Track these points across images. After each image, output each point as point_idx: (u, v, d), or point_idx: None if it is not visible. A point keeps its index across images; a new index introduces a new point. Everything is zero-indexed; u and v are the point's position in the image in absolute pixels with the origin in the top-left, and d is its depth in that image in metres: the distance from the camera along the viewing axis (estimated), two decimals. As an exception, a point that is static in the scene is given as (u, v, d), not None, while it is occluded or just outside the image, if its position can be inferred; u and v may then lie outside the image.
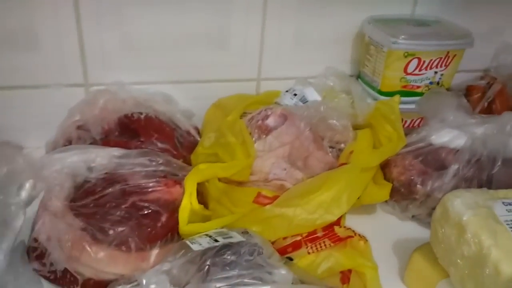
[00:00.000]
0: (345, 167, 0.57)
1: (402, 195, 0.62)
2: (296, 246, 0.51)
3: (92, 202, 0.48)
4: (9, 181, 0.44)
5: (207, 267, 0.39)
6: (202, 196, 0.56)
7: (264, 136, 0.60)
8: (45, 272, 0.46)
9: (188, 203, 0.49)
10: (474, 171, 0.59)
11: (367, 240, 0.52)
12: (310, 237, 0.52)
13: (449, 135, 0.62)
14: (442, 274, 0.48)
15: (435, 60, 0.71)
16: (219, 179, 0.57)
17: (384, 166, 0.64)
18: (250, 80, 0.76)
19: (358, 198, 0.57)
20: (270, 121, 0.60)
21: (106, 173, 0.51)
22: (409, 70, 0.71)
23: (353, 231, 0.53)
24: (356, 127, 0.67)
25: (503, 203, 0.46)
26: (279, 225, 0.51)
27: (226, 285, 0.38)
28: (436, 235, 0.48)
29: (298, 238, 0.52)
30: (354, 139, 0.65)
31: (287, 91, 0.73)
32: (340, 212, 0.52)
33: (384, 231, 0.61)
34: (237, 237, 0.44)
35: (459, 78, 0.77)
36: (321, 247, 0.51)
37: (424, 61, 0.70)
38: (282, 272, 0.40)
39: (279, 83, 0.75)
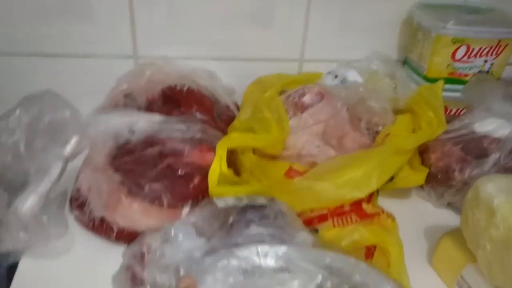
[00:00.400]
0: (379, 147, 0.57)
1: (438, 181, 0.60)
2: (322, 218, 0.52)
3: (131, 160, 0.51)
4: (54, 131, 0.48)
5: (230, 223, 0.41)
6: (235, 167, 0.58)
7: (300, 113, 0.60)
8: (85, 220, 0.50)
9: (218, 167, 0.51)
10: (515, 162, 0.57)
11: (394, 219, 0.52)
12: (337, 211, 0.52)
13: (493, 124, 0.60)
14: (469, 258, 0.47)
15: (485, 48, 0.68)
16: (253, 152, 0.58)
17: (423, 151, 0.63)
18: (293, 60, 0.77)
19: (392, 180, 0.57)
20: (307, 99, 0.61)
21: (146, 136, 0.54)
22: (457, 57, 0.69)
23: (381, 208, 0.53)
24: (397, 112, 0.66)
25: (539, 190, 0.44)
26: (307, 197, 0.52)
27: (247, 241, 0.39)
28: (466, 219, 0.47)
29: (325, 211, 0.52)
30: (393, 123, 0.64)
31: (329, 72, 0.73)
32: (369, 190, 0.52)
33: (417, 216, 0.60)
34: (262, 201, 0.45)
35: (511, 71, 0.74)
36: (347, 221, 0.51)
37: (473, 49, 0.68)
38: (303, 235, 0.41)
39: (322, 65, 0.75)
